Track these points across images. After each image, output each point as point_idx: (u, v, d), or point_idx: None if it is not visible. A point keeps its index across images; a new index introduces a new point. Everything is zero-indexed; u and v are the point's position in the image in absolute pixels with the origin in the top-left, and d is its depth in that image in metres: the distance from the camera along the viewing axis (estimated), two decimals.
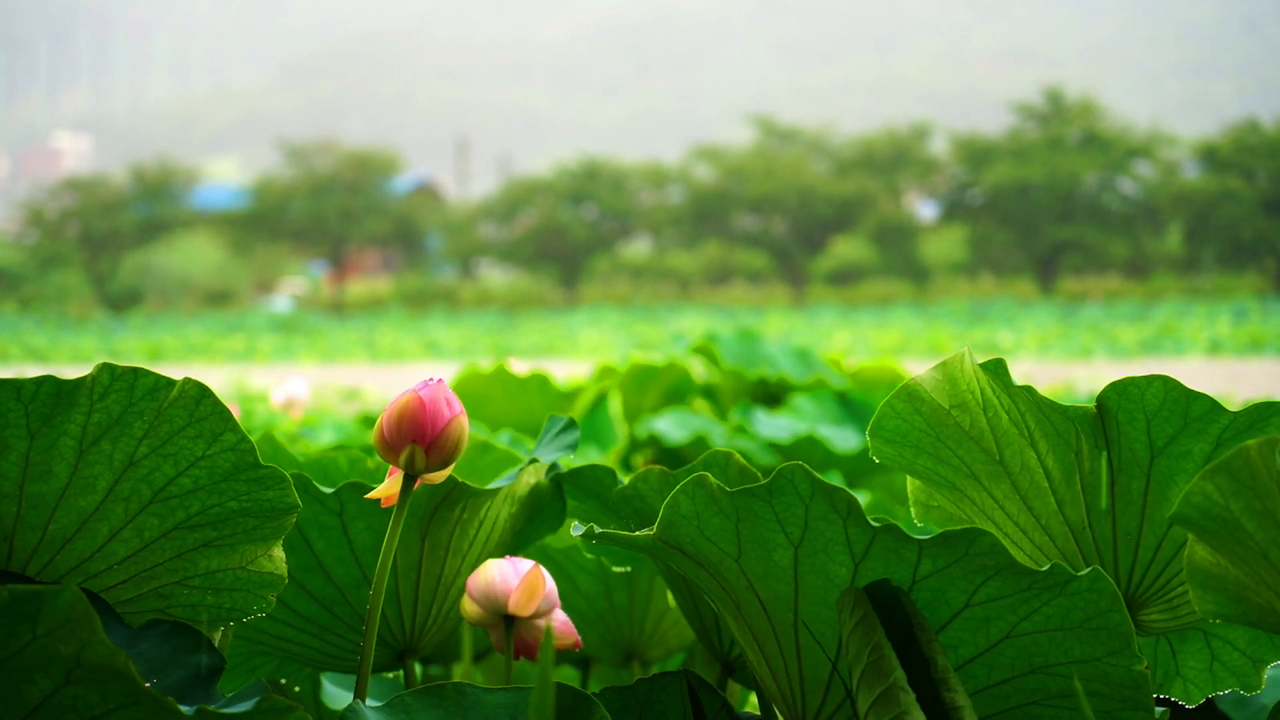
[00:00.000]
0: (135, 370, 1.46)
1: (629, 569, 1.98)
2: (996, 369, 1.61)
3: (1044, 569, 1.40)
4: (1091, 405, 1.58)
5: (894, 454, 1.66)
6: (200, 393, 1.47)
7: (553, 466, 1.89)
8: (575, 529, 1.59)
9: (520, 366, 5.84)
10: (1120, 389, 1.57)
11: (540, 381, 5.40)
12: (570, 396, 5.51)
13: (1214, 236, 48.50)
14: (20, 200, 61.77)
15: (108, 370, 1.45)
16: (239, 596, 1.55)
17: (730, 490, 1.41)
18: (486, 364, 5.64)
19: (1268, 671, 2.01)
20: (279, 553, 1.56)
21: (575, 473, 1.87)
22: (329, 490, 1.75)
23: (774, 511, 1.41)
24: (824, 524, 1.40)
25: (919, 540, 1.39)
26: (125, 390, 1.46)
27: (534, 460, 1.78)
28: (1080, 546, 1.63)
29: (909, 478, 1.70)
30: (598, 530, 1.55)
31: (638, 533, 1.52)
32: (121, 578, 1.52)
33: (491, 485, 1.77)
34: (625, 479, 1.82)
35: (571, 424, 1.85)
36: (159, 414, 1.47)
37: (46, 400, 1.45)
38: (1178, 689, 1.75)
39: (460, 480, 1.73)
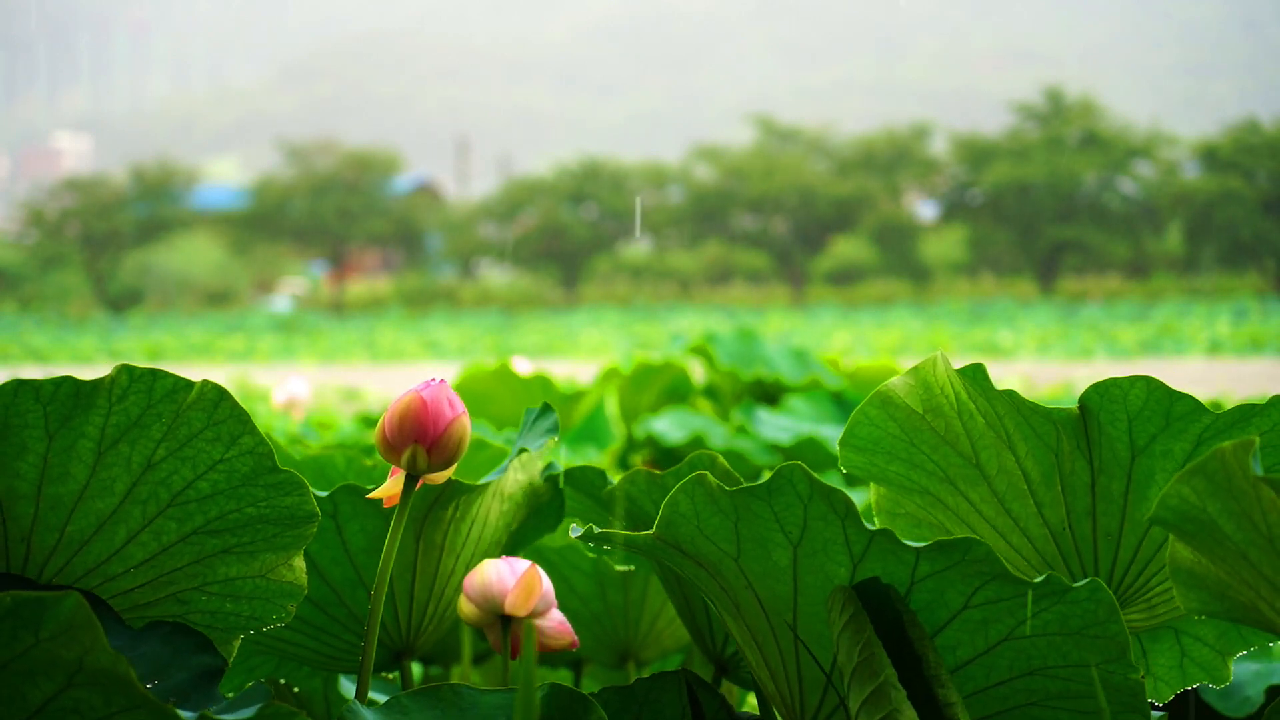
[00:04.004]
0: (154, 372, 1.46)
1: (632, 568, 1.99)
2: (975, 375, 1.60)
3: (1037, 580, 1.40)
4: (1074, 407, 1.58)
5: (864, 462, 1.66)
6: (219, 395, 1.48)
7: (549, 466, 1.90)
8: (573, 530, 1.58)
9: (525, 365, 5.86)
10: (1102, 390, 1.57)
11: (543, 383, 5.42)
12: (573, 398, 5.53)
13: (1214, 236, 48.47)
14: (20, 200, 61.69)
15: (126, 372, 1.46)
16: (258, 605, 1.56)
17: (730, 489, 1.41)
18: (491, 361, 5.65)
19: (1244, 663, 2.02)
20: (299, 563, 1.56)
21: (569, 473, 1.88)
22: (323, 494, 1.75)
23: (773, 511, 1.41)
24: (823, 524, 1.41)
25: (916, 548, 1.40)
26: (144, 392, 1.46)
27: (522, 450, 1.78)
28: (1060, 548, 1.63)
29: (872, 485, 1.69)
30: (596, 530, 1.55)
31: (637, 533, 1.53)
32: (139, 581, 1.52)
33: (482, 480, 1.77)
34: (617, 479, 1.82)
35: (548, 409, 1.85)
36: (177, 416, 1.47)
37: (65, 401, 1.45)
38: (1147, 686, 1.75)
39: (452, 477, 1.73)
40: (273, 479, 1.51)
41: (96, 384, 1.45)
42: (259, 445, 1.50)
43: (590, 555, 2.05)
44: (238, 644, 1.60)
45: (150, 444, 1.48)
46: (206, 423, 1.48)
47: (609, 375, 5.84)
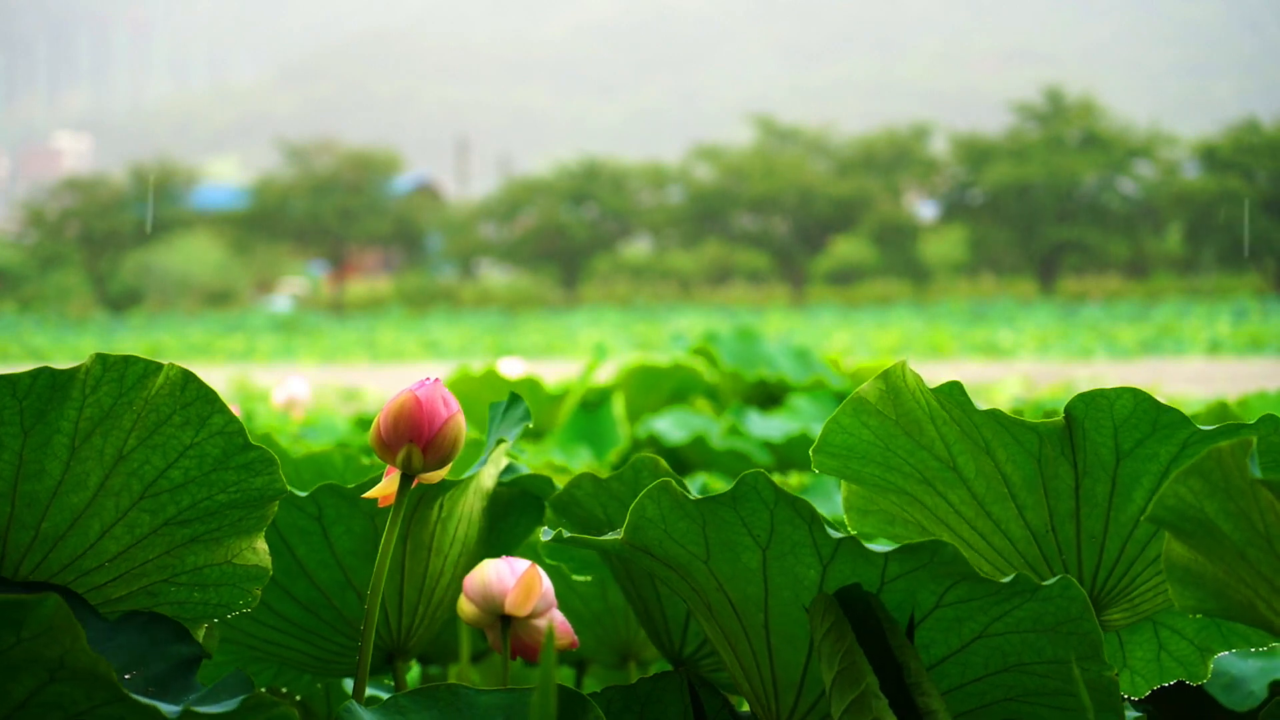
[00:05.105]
0: (126, 359, 1.46)
1: (589, 578, 1.99)
2: (952, 392, 1.58)
3: (1005, 580, 1.40)
4: (1059, 419, 1.58)
5: (838, 466, 1.65)
6: (185, 378, 1.47)
7: (508, 469, 1.89)
8: (545, 533, 1.59)
9: (519, 366, 5.86)
10: (1088, 399, 1.57)
11: (531, 384, 5.45)
12: (559, 398, 5.55)
13: (1214, 236, 48.49)
14: (20, 200, 61.78)
15: (100, 361, 1.45)
16: (225, 592, 1.55)
17: (695, 499, 1.42)
18: (477, 366, 5.67)
19: (1248, 659, 2.02)
20: (262, 545, 1.56)
21: (518, 480, 1.88)
22: (304, 494, 1.74)
23: (739, 517, 1.42)
24: (790, 528, 1.41)
25: (884, 551, 1.40)
26: (116, 381, 1.46)
27: (501, 440, 1.77)
28: (1043, 550, 1.63)
29: (843, 483, 1.68)
30: (566, 534, 1.56)
31: (606, 536, 1.53)
32: (112, 575, 1.52)
33: (465, 475, 1.77)
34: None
35: (516, 399, 1.84)
36: (146, 403, 1.47)
37: (41, 394, 1.45)
38: (1124, 681, 1.75)
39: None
40: (244, 458, 1.50)
41: (71, 374, 1.45)
42: (229, 424, 1.49)
43: (550, 562, 2.04)
44: (201, 634, 1.59)
45: (121, 434, 1.47)
46: (175, 407, 1.47)
47: (590, 370, 5.85)
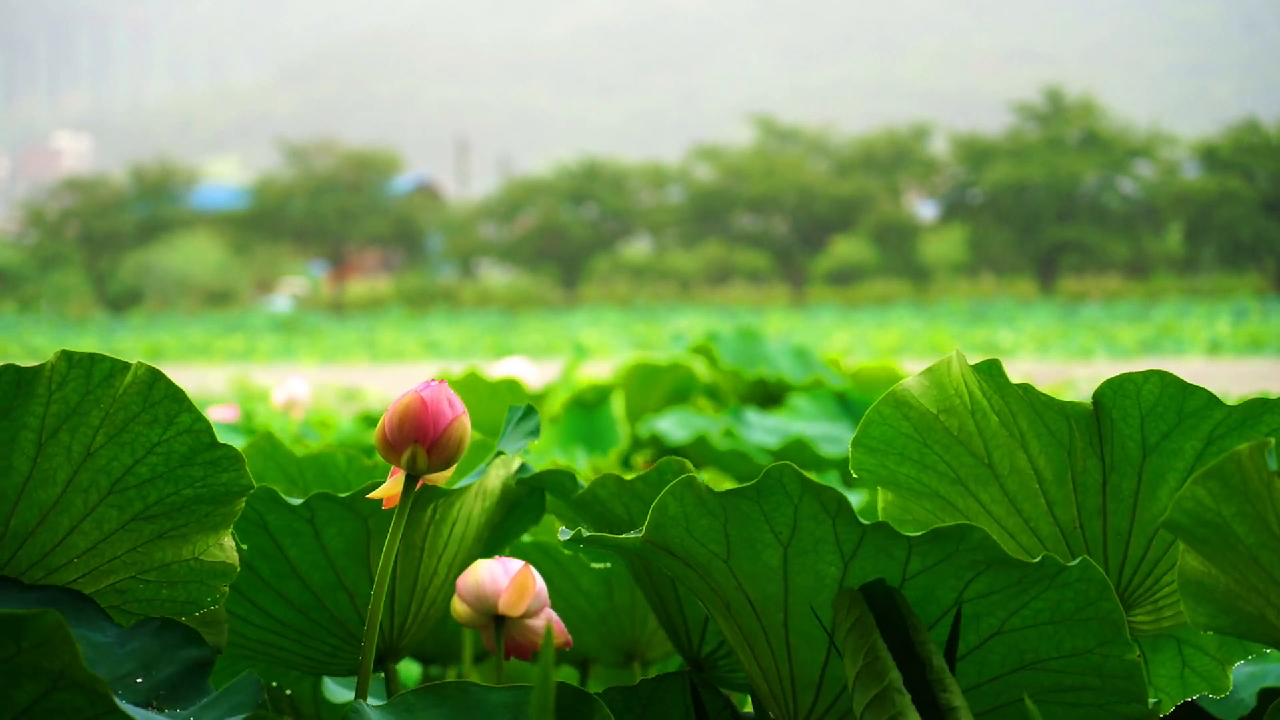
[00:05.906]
0: (92, 356, 1.46)
1: (608, 565, 1.99)
2: (991, 370, 1.59)
3: (1035, 560, 1.39)
4: (1088, 403, 1.57)
5: (875, 464, 1.65)
6: (153, 376, 1.47)
7: (523, 468, 1.90)
8: (562, 533, 1.59)
9: (525, 366, 5.87)
10: (1116, 385, 1.55)
11: (511, 386, 5.46)
12: (540, 399, 5.56)
13: (1214, 236, 48.50)
14: (20, 200, 61.85)
15: (65, 358, 1.45)
16: (192, 589, 1.55)
17: (718, 492, 1.41)
18: (476, 367, 5.69)
19: (1241, 668, 2.02)
20: (229, 541, 1.55)
21: (539, 476, 1.88)
22: (298, 501, 1.74)
23: (762, 512, 1.40)
24: (813, 523, 1.40)
25: (909, 538, 1.38)
26: (82, 378, 1.46)
27: (500, 453, 1.78)
28: (1070, 547, 1.62)
29: (880, 491, 1.68)
30: (585, 534, 1.55)
31: (625, 535, 1.52)
32: (81, 571, 1.51)
33: (460, 484, 1.76)
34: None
35: (530, 411, 1.84)
36: (114, 401, 1.46)
37: (7, 391, 1.44)
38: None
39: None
40: (210, 456, 1.50)
41: (36, 371, 1.45)
42: (196, 423, 1.49)
43: (566, 553, 2.04)
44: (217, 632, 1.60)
45: (89, 431, 1.47)
46: (143, 405, 1.47)
47: (570, 371, 5.86)
